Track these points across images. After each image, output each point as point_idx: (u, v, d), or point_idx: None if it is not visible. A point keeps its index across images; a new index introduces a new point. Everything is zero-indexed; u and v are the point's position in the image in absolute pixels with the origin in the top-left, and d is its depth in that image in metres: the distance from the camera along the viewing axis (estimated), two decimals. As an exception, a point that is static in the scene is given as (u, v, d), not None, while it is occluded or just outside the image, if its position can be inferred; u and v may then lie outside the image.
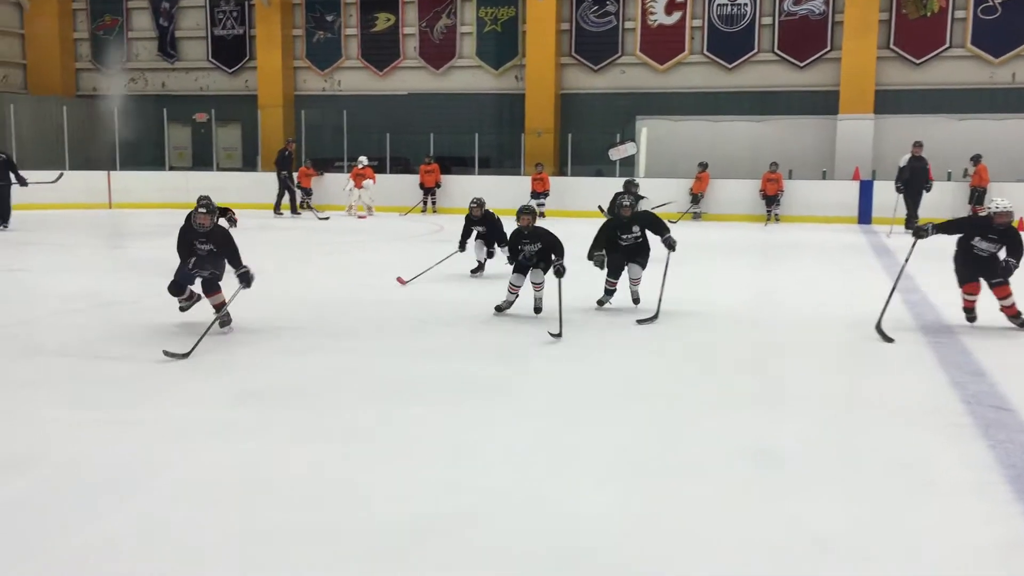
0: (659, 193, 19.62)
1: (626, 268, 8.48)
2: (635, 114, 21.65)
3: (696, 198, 19.59)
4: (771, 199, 19.22)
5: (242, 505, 3.90)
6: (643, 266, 8.51)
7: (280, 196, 19.76)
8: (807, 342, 7.41)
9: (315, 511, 3.83)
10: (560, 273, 7.55)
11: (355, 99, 23.90)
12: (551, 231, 8.01)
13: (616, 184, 19.48)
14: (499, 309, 8.11)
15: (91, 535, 3.58)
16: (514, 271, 8.14)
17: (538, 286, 8.07)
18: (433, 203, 20.74)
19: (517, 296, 8.14)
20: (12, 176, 15.43)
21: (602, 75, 22.72)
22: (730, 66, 21.91)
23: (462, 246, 10.67)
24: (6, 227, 15.36)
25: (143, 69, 25.64)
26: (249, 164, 24.53)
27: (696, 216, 19.53)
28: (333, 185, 21.21)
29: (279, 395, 5.63)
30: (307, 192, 21.06)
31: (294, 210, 19.79)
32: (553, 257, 7.76)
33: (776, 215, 19.21)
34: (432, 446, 4.72)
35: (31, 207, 18.12)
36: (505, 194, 19.90)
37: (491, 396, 5.69)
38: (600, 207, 13.00)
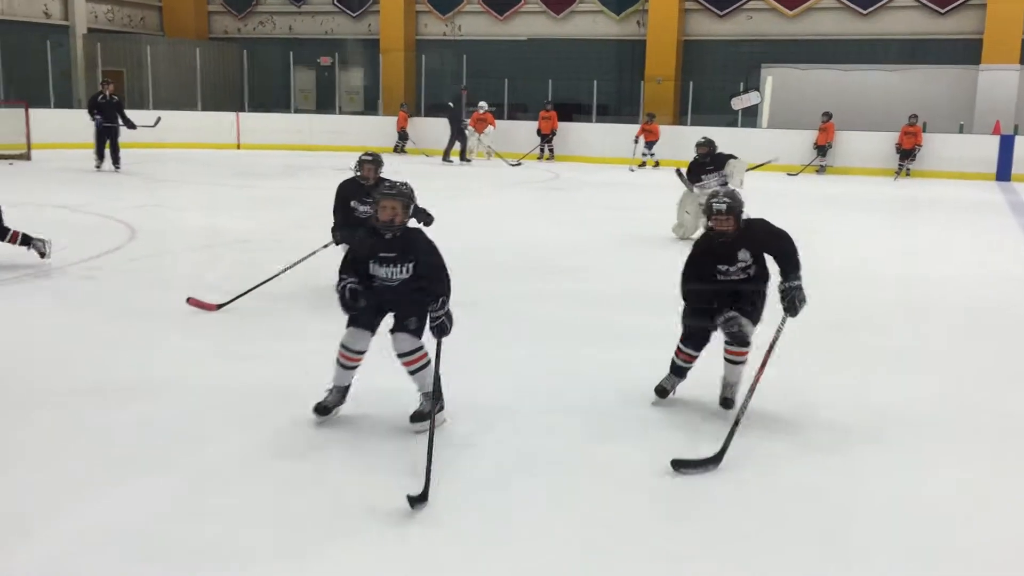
0: (777, 146, 19.14)
1: (721, 329, 4.37)
2: (760, 62, 20.93)
3: (822, 150, 18.90)
4: (906, 153, 18.35)
5: (364, 436, 4.04)
6: (754, 323, 4.39)
7: (451, 143, 19.70)
8: (939, 302, 7.12)
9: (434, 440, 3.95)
10: (443, 330, 3.93)
11: (475, 44, 23.91)
12: (429, 240, 4.15)
13: (740, 139, 18.98)
14: (322, 411, 4.12)
15: (216, 455, 3.79)
16: (349, 323, 4.10)
17: (409, 359, 4.07)
18: (550, 150, 20.64)
19: (355, 368, 4.15)
20: (120, 119, 15.71)
21: (727, 21, 22.02)
22: (865, 12, 20.88)
23: (338, 235, 6.32)
24: (118, 169, 15.68)
25: (271, 12, 26.25)
26: (371, 108, 24.93)
27: (821, 169, 18.86)
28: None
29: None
30: (403, 136, 21.39)
31: (463, 156, 19.70)
32: (432, 302, 3.95)
33: (908, 169, 18.37)
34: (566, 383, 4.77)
35: (166, 146, 18.95)
36: (620, 143, 19.77)
37: (631, 340, 5.68)
38: (679, 172, 9.74)
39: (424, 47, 24.45)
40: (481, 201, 13.81)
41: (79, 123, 20.07)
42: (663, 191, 15.26)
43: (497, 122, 20.71)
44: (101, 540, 3.06)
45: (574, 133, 20.85)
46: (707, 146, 9.50)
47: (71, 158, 17.14)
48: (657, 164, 19.14)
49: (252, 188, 14.44)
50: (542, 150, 20.64)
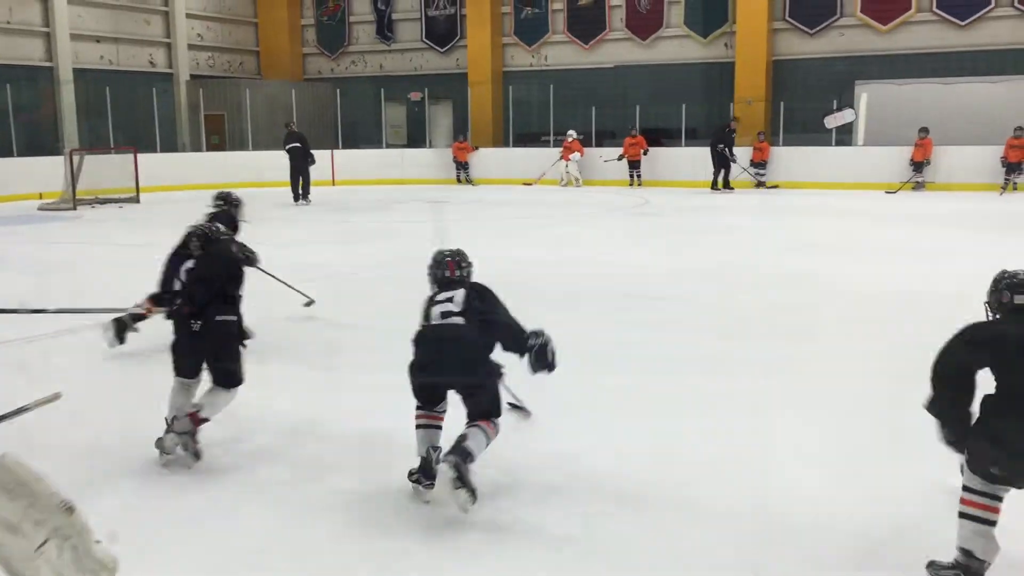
0: (876, 165, 18.75)
1: None
2: (854, 79, 20.44)
3: (918, 166, 18.32)
4: (1013, 166, 17.63)
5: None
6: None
7: (716, 172, 19.21)
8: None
9: (532, 473, 3.96)
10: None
11: (561, 73, 24.03)
12: None
13: (837, 158, 18.62)
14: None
15: (351, 488, 3.88)
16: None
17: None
18: (638, 176, 20.53)
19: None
20: (308, 156, 17.45)
21: (818, 39, 21.60)
22: (963, 23, 20.21)
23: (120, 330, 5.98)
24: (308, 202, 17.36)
25: (363, 52, 26.96)
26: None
27: (918, 186, 18.28)
28: (541, 159, 21.50)
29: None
30: (462, 166, 21.74)
31: (726, 185, 19.16)
32: None
33: (1015, 183, 17.64)
34: (642, 419, 4.73)
35: (263, 185, 19.59)
36: (711, 166, 19.60)
37: (707, 368, 5.62)
38: None
39: (511, 78, 24.71)
40: (575, 229, 13.81)
41: (183, 166, 21.03)
42: (761, 213, 15.05)
43: (586, 150, 20.87)
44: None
45: (663, 158, 20.73)
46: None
47: (177, 200, 17.85)
48: (763, 185, 19.33)
49: (349, 223, 14.79)
50: (631, 176, 20.55)
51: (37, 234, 13.40)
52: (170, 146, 22.89)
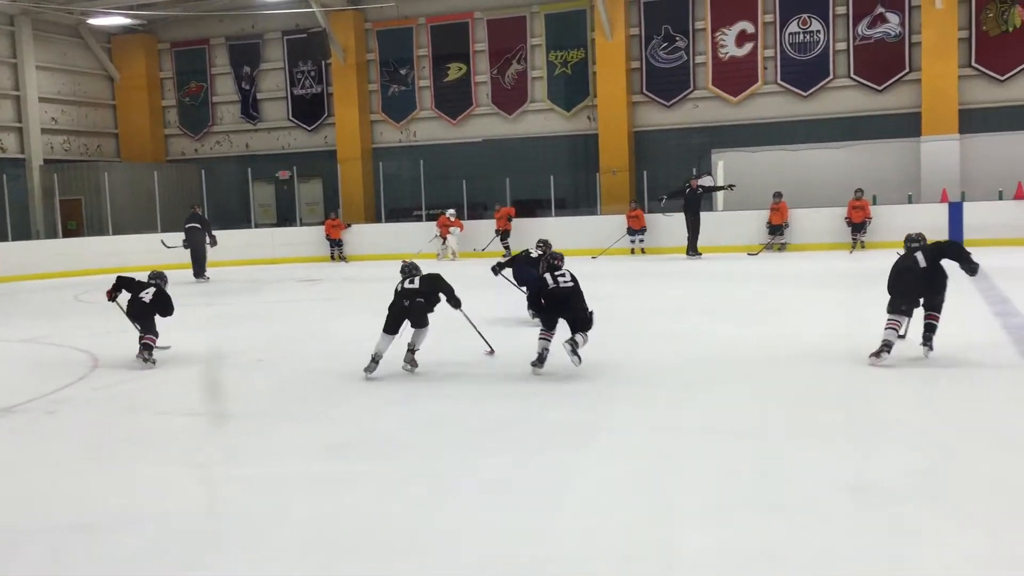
0: (737, 228, 19.60)
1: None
2: (711, 147, 21.51)
3: (777, 229, 19.24)
4: (857, 226, 18.74)
5: (337, 557, 3.93)
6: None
7: (693, 236, 18.56)
8: (900, 373, 7.15)
9: (409, 560, 3.84)
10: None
11: (431, 148, 24.31)
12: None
13: (701, 221, 19.29)
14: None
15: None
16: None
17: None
18: (507, 247, 20.77)
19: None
20: (207, 236, 18.02)
21: (675, 111, 22.65)
22: (805, 94, 21.61)
23: None
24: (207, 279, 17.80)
25: (228, 132, 26.57)
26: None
27: (782, 247, 19.19)
28: (414, 233, 21.54)
29: (369, 445, 5.67)
30: (336, 243, 21.78)
31: (693, 249, 18.51)
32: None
33: (862, 242, 18.74)
34: (524, 491, 4.69)
35: (126, 270, 18.82)
36: (581, 235, 20.09)
37: (578, 440, 5.65)
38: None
39: (381, 154, 24.81)
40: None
41: (38, 253, 20.09)
42: (635, 278, 15.43)
43: (462, 222, 21.14)
44: None
45: (535, 228, 21.06)
46: None
47: (32, 289, 16.98)
48: (643, 251, 20.10)
49: (219, 305, 14.34)
50: (507, 247, 20.74)
51: None
52: (23, 234, 21.83)
